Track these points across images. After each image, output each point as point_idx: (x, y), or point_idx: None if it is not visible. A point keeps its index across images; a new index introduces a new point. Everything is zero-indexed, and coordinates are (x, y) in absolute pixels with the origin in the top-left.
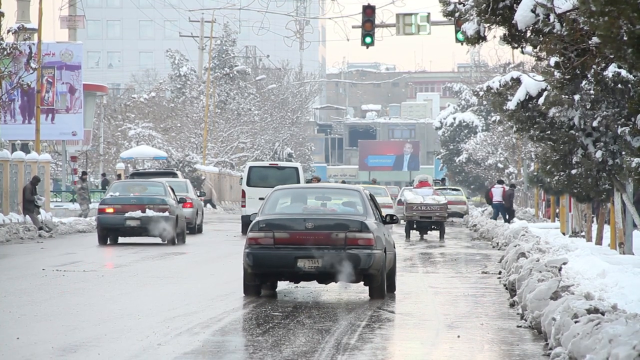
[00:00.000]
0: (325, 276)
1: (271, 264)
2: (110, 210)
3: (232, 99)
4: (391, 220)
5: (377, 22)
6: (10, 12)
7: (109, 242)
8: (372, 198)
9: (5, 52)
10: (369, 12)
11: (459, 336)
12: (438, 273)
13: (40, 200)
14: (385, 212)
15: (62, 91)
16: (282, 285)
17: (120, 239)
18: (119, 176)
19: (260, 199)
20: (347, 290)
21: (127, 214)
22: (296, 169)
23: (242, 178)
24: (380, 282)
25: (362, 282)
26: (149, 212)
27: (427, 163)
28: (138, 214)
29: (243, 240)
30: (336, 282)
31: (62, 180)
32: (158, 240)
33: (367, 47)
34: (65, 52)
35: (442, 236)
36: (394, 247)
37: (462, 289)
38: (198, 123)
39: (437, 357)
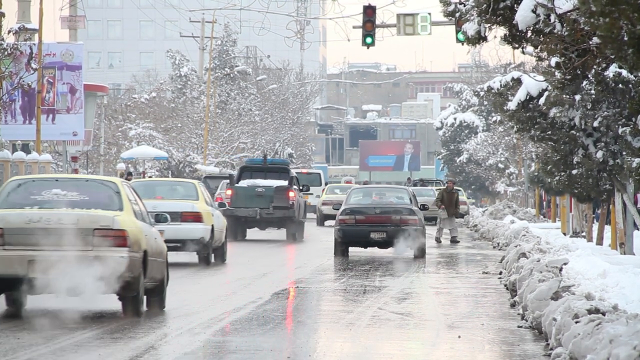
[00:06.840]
0: (388, 243)
1: (353, 235)
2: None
3: (233, 99)
4: (423, 208)
5: (377, 22)
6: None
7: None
8: (414, 194)
9: (5, 53)
10: (369, 12)
11: (459, 336)
12: (439, 273)
13: None
14: None
15: (63, 91)
16: (284, 286)
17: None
18: (121, 175)
19: None
20: (349, 292)
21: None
22: (319, 173)
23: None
24: (422, 248)
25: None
26: None
27: (428, 163)
28: None
29: None
30: (393, 247)
31: None
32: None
33: (368, 48)
34: (66, 52)
35: None
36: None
37: (463, 289)
38: (199, 123)
39: (438, 357)
